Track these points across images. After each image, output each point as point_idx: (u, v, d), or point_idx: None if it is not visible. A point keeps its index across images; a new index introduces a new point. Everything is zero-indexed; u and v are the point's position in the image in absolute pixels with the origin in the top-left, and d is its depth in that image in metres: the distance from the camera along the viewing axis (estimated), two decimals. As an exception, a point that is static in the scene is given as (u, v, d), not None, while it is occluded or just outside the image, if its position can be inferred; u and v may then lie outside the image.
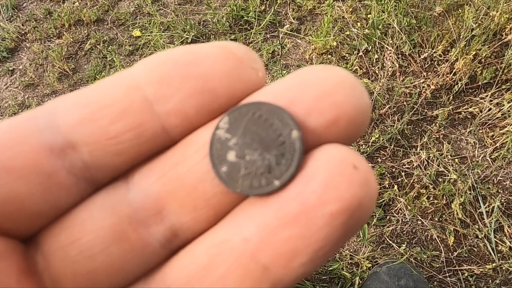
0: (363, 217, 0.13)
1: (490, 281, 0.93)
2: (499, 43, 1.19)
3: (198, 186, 0.15)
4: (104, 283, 0.14)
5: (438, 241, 0.99)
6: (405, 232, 1.02)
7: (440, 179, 1.05)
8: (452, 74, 1.18)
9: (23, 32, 1.61)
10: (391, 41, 1.24)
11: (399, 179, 1.08)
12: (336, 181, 0.13)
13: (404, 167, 1.09)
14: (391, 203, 1.05)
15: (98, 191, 0.15)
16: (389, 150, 1.12)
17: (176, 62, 0.14)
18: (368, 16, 1.34)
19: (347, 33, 1.35)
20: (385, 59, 1.22)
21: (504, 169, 1.06)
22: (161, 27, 1.51)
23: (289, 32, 1.41)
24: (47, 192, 0.14)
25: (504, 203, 1.01)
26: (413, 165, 1.09)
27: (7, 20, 1.65)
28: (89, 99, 0.14)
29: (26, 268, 0.14)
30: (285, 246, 0.13)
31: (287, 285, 0.13)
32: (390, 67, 1.21)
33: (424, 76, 1.22)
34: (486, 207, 1.00)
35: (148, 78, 0.14)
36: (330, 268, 0.97)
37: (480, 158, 1.08)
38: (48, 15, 1.65)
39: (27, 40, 1.58)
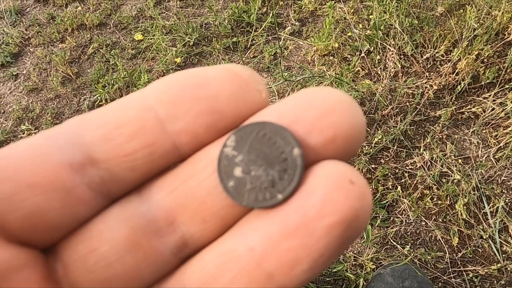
0: (359, 228, 0.14)
1: (495, 281, 0.93)
2: (501, 43, 1.18)
3: (207, 199, 0.16)
4: None
5: (442, 242, 0.99)
6: (409, 233, 1.02)
7: (444, 180, 1.05)
8: (454, 74, 1.18)
9: (26, 37, 1.62)
10: (393, 42, 1.24)
11: (403, 180, 1.08)
12: (334, 195, 0.14)
13: (407, 168, 1.09)
14: (394, 204, 1.05)
15: (113, 204, 0.16)
16: (392, 151, 1.12)
17: (185, 85, 0.16)
18: (370, 17, 1.34)
19: (349, 34, 1.35)
20: (387, 60, 1.22)
21: (508, 169, 1.06)
22: (163, 30, 1.51)
23: (290, 35, 1.42)
24: (66, 206, 0.15)
25: (509, 203, 1.01)
26: (417, 165, 1.09)
27: (10, 25, 1.66)
28: (105, 118, 0.16)
29: (47, 277, 0.15)
30: (287, 255, 0.14)
31: None
32: (392, 67, 1.21)
33: (426, 76, 1.22)
34: (490, 208, 1.00)
35: (160, 99, 0.16)
36: (334, 270, 0.97)
37: (483, 158, 1.08)
38: (51, 20, 1.66)
39: (30, 45, 1.60)
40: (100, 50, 1.52)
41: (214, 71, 0.16)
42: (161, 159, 0.16)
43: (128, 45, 1.51)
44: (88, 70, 1.49)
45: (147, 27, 1.54)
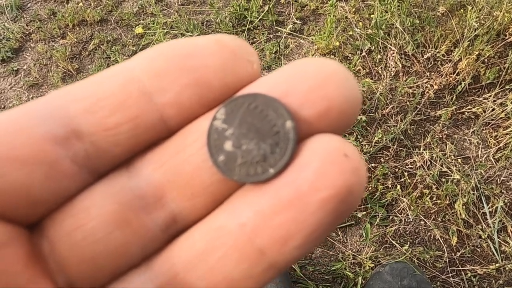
0: (353, 203, 0.14)
1: (493, 281, 0.93)
2: (502, 43, 1.18)
3: (196, 174, 0.15)
4: (108, 267, 0.15)
5: (441, 241, 0.99)
6: (408, 232, 1.01)
7: (443, 179, 1.05)
8: (455, 74, 1.18)
9: (27, 32, 1.62)
10: (394, 41, 1.23)
11: (402, 179, 1.07)
12: (328, 169, 0.13)
13: (407, 167, 1.09)
14: (394, 203, 1.05)
15: (99, 180, 0.16)
16: (392, 150, 1.12)
17: (172, 55, 0.15)
18: (371, 16, 1.34)
19: (350, 33, 1.35)
20: (388, 59, 1.22)
21: (508, 169, 1.05)
22: (165, 27, 1.51)
23: (292, 32, 1.41)
24: (50, 181, 0.14)
25: (508, 204, 1.01)
26: (416, 165, 1.08)
27: (11, 20, 1.66)
28: (89, 90, 0.15)
29: (32, 253, 0.15)
30: (279, 231, 0.14)
31: (282, 267, 0.14)
32: (393, 67, 1.20)
33: (427, 76, 1.22)
34: (489, 208, 1.00)
35: (146, 70, 0.15)
36: (333, 268, 0.97)
37: (483, 158, 1.08)
38: (52, 16, 1.66)
39: (31, 40, 1.59)
40: (101, 46, 1.52)
41: (203, 41, 0.15)
42: (147, 133, 0.15)
43: (129, 41, 1.51)
44: (89, 66, 1.49)
45: (148, 23, 1.54)
